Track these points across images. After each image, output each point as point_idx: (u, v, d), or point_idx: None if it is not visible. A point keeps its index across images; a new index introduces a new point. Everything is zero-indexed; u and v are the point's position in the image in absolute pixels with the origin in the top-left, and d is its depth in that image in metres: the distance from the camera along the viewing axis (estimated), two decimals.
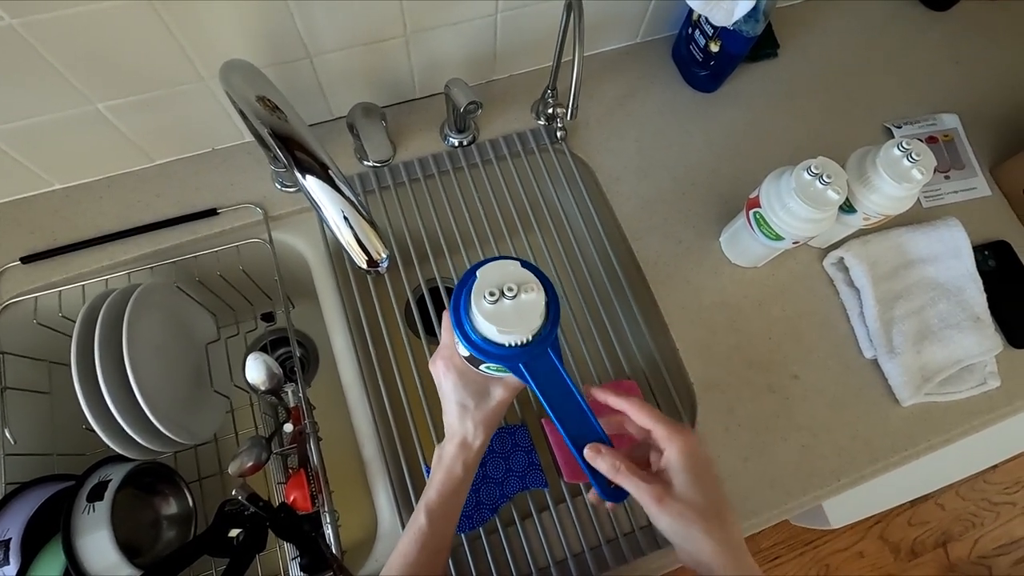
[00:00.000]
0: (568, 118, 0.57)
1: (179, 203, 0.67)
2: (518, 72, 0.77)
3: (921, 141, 0.76)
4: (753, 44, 0.70)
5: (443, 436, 0.47)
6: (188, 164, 0.69)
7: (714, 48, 0.71)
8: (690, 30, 0.74)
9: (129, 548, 0.57)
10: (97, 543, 0.53)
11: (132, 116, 0.61)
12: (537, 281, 0.38)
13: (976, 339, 0.67)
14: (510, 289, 0.37)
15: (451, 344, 0.44)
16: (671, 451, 0.39)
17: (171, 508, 0.62)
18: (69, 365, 0.54)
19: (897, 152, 0.57)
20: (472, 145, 0.73)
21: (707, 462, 0.39)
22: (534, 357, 0.39)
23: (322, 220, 0.41)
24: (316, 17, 0.57)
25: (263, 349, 0.82)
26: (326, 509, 0.57)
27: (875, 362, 0.67)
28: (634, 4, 0.74)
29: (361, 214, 0.42)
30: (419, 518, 0.44)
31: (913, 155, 0.56)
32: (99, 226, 0.66)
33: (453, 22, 0.64)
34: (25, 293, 0.62)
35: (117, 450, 0.55)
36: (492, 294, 0.37)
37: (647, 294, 0.69)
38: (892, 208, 0.60)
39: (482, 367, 0.43)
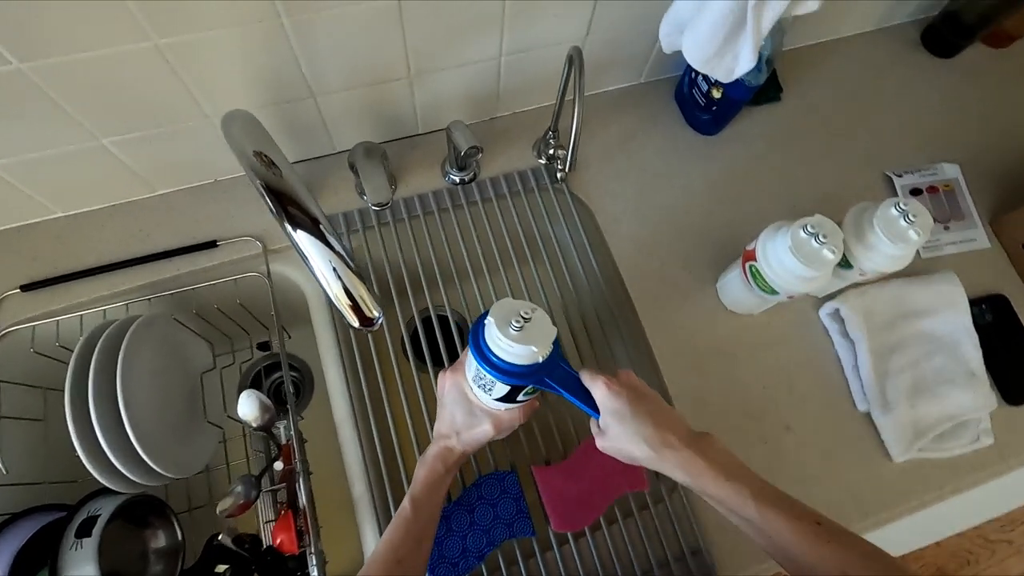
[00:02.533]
0: (566, 170, 0.57)
1: (180, 234, 0.68)
2: (522, 110, 0.78)
3: (921, 192, 0.77)
4: (756, 91, 0.70)
5: None
6: (190, 195, 0.70)
7: (716, 94, 0.72)
8: (693, 74, 0.75)
9: None
10: None
11: (136, 150, 0.62)
12: (533, 304, 0.47)
13: (971, 395, 0.67)
14: (525, 314, 0.45)
15: (462, 362, 0.53)
16: (598, 401, 0.48)
17: (159, 541, 0.63)
18: (64, 392, 0.54)
19: (894, 212, 0.57)
20: (473, 183, 0.73)
21: (629, 400, 0.47)
22: (552, 368, 0.49)
23: (314, 277, 0.41)
24: (320, 60, 0.58)
25: (258, 375, 0.83)
26: (312, 551, 0.57)
27: (869, 415, 0.67)
28: (639, 45, 0.74)
29: (352, 271, 0.42)
30: (404, 506, 0.50)
31: (910, 216, 0.56)
32: (100, 255, 0.66)
33: (457, 64, 0.65)
34: (24, 322, 0.63)
35: (107, 484, 0.56)
36: (517, 322, 0.45)
37: (641, 338, 0.69)
38: (888, 266, 0.60)
39: (501, 404, 0.52)
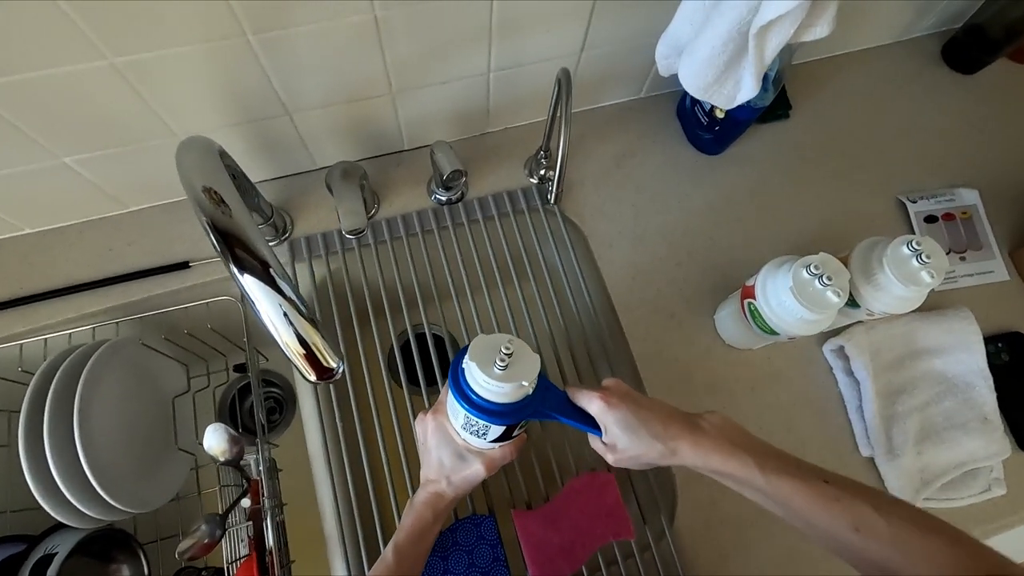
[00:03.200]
0: (551, 201, 0.53)
1: (151, 253, 0.65)
2: (513, 125, 0.74)
3: (936, 219, 0.72)
4: (763, 111, 0.66)
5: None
6: (163, 212, 0.67)
7: (719, 114, 0.67)
8: None
9: None
10: None
11: (102, 168, 0.59)
12: (516, 339, 0.44)
13: (983, 442, 0.63)
14: (506, 349, 0.42)
15: (443, 404, 0.49)
16: (599, 419, 0.46)
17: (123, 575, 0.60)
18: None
19: (906, 251, 0.53)
20: (460, 203, 0.70)
21: (630, 409, 0.45)
22: (543, 395, 0.46)
23: (251, 328, 0.37)
24: (294, 77, 0.54)
25: (235, 398, 0.80)
26: None
27: (872, 460, 0.63)
28: (638, 58, 0.70)
29: (305, 317, 0.39)
30: (387, 555, 0.47)
31: (924, 257, 0.52)
32: (68, 274, 0.64)
33: (442, 81, 0.61)
34: None
35: (62, 520, 0.53)
36: (501, 360, 0.42)
37: (631, 371, 0.66)
38: (898, 308, 0.55)
39: (494, 444, 0.48)
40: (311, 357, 0.39)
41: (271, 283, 0.39)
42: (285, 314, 0.39)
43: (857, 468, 0.63)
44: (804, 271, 0.52)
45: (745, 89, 0.49)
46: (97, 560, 0.60)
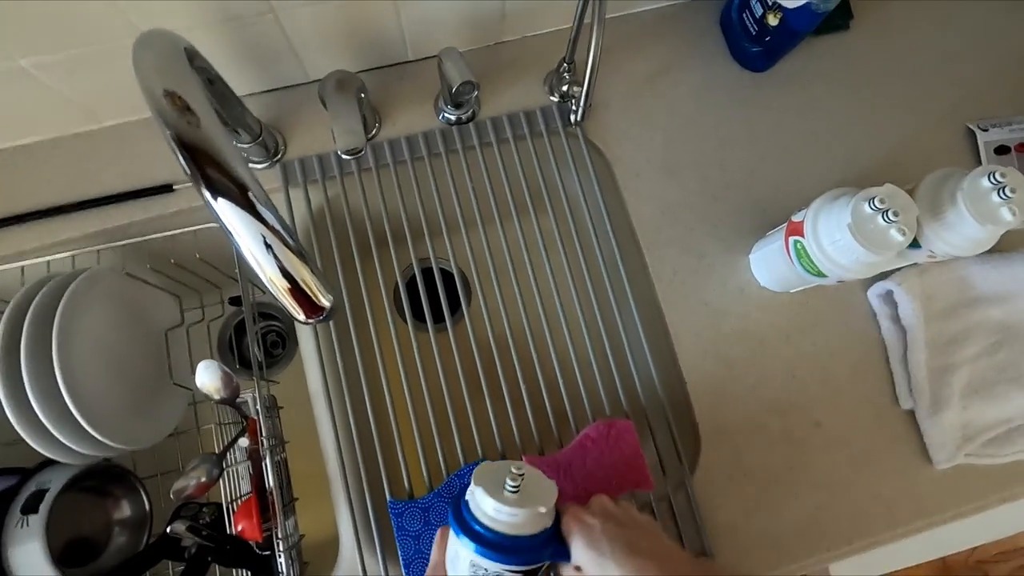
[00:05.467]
0: (574, 121, 0.46)
1: (131, 175, 0.59)
2: (532, 34, 0.65)
3: (1009, 150, 0.64)
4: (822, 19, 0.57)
5: (411, 457, 0.49)
6: (142, 128, 0.60)
7: (772, 21, 0.58)
8: None
9: (73, 555, 0.54)
10: (31, 560, 0.49)
11: (67, 75, 0.52)
12: (524, 464, 0.40)
13: None
14: (517, 471, 0.38)
15: (442, 563, 0.40)
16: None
17: (123, 511, 0.59)
18: None
19: (986, 184, 0.45)
20: (471, 123, 0.62)
21: (605, 554, 0.38)
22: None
23: (241, 260, 0.32)
24: None
25: (232, 331, 0.76)
26: (280, 536, 0.52)
27: (911, 414, 0.59)
28: None
29: (292, 249, 0.33)
30: None
31: (1007, 191, 0.45)
32: (40, 197, 0.58)
33: None
34: None
35: (51, 456, 0.51)
36: (513, 481, 0.37)
37: (657, 317, 0.60)
38: (968, 250, 0.49)
39: None
40: (299, 294, 0.34)
41: (250, 208, 0.33)
42: (268, 245, 0.33)
43: (895, 421, 0.59)
44: (866, 205, 0.45)
45: None
46: (94, 494, 0.58)
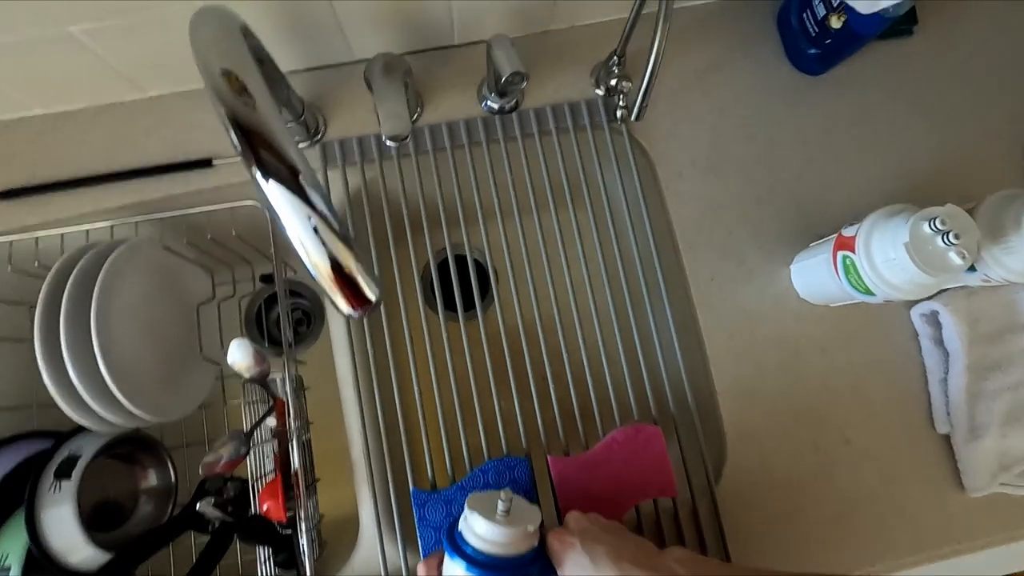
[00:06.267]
0: (632, 118, 0.45)
1: (171, 146, 0.59)
2: (583, 23, 0.63)
3: None
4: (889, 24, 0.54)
5: (436, 447, 0.51)
6: (184, 100, 0.60)
7: (835, 24, 0.56)
8: None
9: (101, 521, 0.55)
10: (62, 524, 0.50)
11: (114, 42, 0.51)
12: (510, 491, 0.42)
13: None
14: (505, 497, 0.41)
15: None
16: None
17: (151, 480, 0.60)
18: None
19: None
20: (513, 112, 0.61)
21: (593, 564, 0.40)
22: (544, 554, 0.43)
23: (279, 240, 0.32)
24: None
25: (260, 307, 0.77)
26: (302, 517, 0.53)
27: (945, 438, 0.57)
28: None
29: (340, 237, 0.33)
30: None
31: None
32: (81, 163, 0.58)
33: None
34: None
35: (84, 424, 0.51)
36: (504, 505, 0.41)
37: (690, 318, 0.59)
38: None
39: None
40: (346, 284, 0.33)
41: (301, 193, 0.32)
42: (316, 231, 0.33)
43: (930, 446, 0.57)
44: (925, 225, 0.43)
45: None
46: (124, 462, 0.59)
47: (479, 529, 0.41)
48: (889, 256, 0.45)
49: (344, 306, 0.34)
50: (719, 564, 0.48)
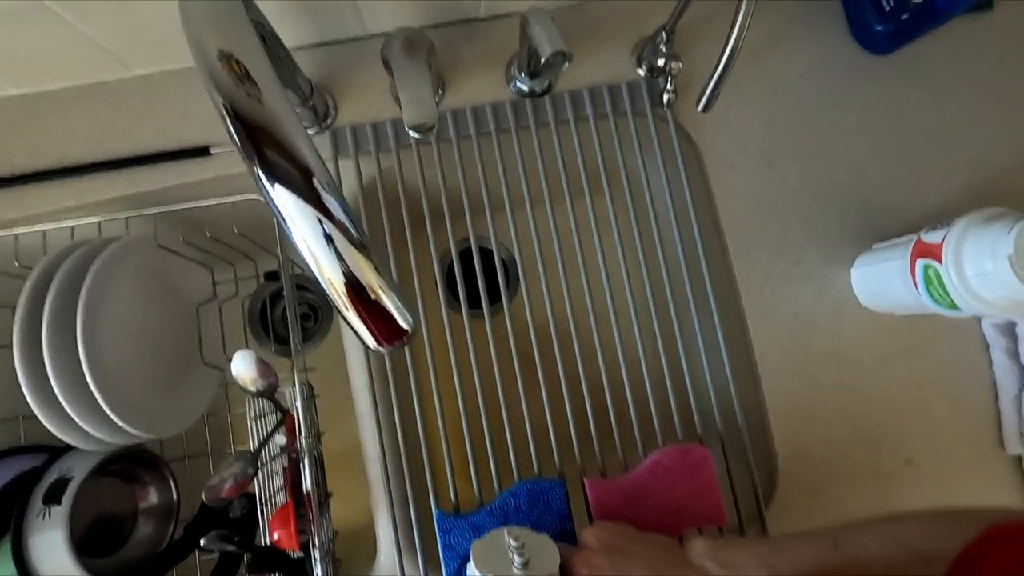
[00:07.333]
0: (699, 108, 0.39)
1: (163, 132, 0.53)
2: None
3: None
4: None
5: (459, 461, 0.48)
6: (175, 80, 0.53)
7: None
8: None
9: (96, 544, 0.51)
10: (53, 553, 0.45)
11: (95, 14, 0.45)
12: (514, 528, 0.39)
13: None
14: (516, 541, 0.37)
15: None
16: None
17: (150, 499, 0.55)
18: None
19: None
20: (545, 96, 0.54)
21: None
22: None
23: (301, 259, 0.26)
24: None
25: (264, 303, 0.71)
26: (315, 543, 0.48)
27: (1017, 459, 0.53)
28: None
29: (363, 252, 0.27)
30: None
31: None
32: (64, 150, 0.52)
33: None
34: None
35: (70, 443, 0.46)
36: (520, 554, 0.37)
37: (739, 324, 0.54)
38: None
39: None
40: (371, 312, 0.28)
41: (314, 201, 0.26)
42: (334, 246, 0.27)
43: (998, 464, 0.53)
44: None
45: None
46: (121, 479, 0.54)
47: None
48: (985, 269, 0.40)
49: (370, 339, 0.28)
50: (738, 542, 0.45)
